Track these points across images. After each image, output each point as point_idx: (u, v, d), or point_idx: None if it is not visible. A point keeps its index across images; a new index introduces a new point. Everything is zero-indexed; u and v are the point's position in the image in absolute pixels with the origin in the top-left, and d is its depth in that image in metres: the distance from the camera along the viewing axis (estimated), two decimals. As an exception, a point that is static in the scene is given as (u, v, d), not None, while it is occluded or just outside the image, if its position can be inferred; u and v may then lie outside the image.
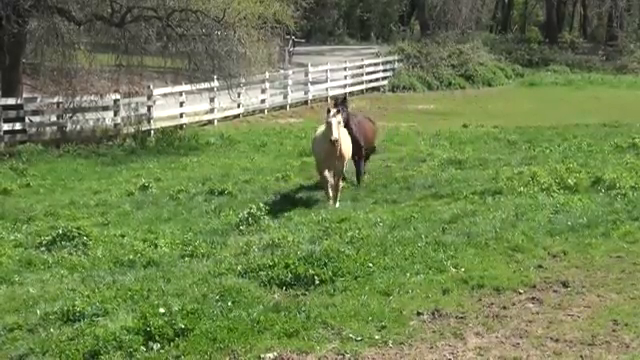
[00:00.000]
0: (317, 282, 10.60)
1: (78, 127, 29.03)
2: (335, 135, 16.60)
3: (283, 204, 17.45)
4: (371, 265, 11.18)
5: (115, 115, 30.03)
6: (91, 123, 29.45)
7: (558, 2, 71.93)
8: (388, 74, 48.64)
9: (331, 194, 17.36)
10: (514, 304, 9.95)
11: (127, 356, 8.38)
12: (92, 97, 29.62)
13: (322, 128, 17.70)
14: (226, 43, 30.01)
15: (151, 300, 9.92)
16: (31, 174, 22.77)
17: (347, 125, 18.21)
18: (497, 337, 8.89)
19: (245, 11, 30.00)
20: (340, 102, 18.60)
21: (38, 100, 29.10)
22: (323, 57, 51.24)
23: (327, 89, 41.94)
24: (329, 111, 16.95)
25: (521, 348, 8.57)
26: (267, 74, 36.23)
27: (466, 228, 13.52)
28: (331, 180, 17.33)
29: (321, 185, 18.12)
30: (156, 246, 13.50)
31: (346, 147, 17.54)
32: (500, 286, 10.49)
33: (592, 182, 17.31)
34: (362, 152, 19.45)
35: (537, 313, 9.63)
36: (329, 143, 16.77)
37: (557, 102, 43.00)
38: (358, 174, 19.68)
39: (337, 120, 16.75)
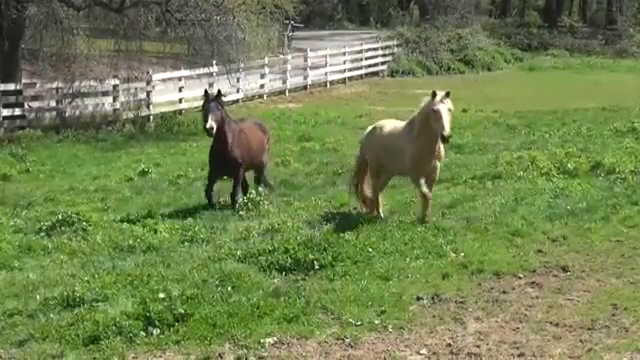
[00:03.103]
0: (317, 267, 10.61)
1: (77, 112, 29.04)
2: (449, 129, 12.18)
3: (282, 189, 17.42)
4: (371, 250, 11.18)
5: (114, 100, 30.02)
6: (90, 108, 29.47)
7: (557, -14, 71.80)
8: (387, 59, 48.49)
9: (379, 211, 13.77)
10: (514, 289, 9.96)
11: (127, 341, 8.38)
12: (91, 82, 29.63)
13: (392, 123, 13.89)
14: (225, 28, 30.00)
15: (151, 285, 9.93)
16: (30, 160, 22.74)
17: (220, 131, 14.59)
18: (497, 321, 8.90)
19: (244, -4, 29.99)
20: (214, 98, 14.55)
21: (37, 85, 29.08)
22: (322, 42, 51.09)
23: (326, 74, 41.88)
24: (435, 95, 12.36)
25: (521, 332, 8.58)
26: (266, 59, 36.22)
27: (465, 213, 13.52)
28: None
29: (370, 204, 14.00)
30: (156, 231, 13.49)
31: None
32: (500, 271, 10.50)
33: (591, 166, 17.27)
34: (240, 171, 15.33)
35: (537, 297, 9.64)
36: (430, 143, 12.61)
37: (556, 86, 42.88)
38: (233, 197, 15.20)
39: (448, 107, 12.38)
